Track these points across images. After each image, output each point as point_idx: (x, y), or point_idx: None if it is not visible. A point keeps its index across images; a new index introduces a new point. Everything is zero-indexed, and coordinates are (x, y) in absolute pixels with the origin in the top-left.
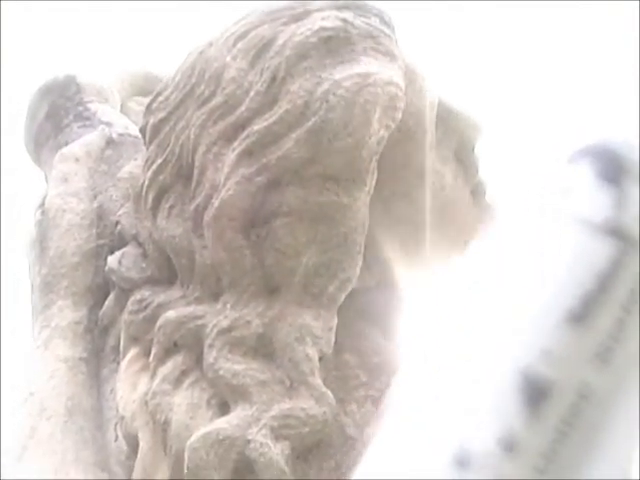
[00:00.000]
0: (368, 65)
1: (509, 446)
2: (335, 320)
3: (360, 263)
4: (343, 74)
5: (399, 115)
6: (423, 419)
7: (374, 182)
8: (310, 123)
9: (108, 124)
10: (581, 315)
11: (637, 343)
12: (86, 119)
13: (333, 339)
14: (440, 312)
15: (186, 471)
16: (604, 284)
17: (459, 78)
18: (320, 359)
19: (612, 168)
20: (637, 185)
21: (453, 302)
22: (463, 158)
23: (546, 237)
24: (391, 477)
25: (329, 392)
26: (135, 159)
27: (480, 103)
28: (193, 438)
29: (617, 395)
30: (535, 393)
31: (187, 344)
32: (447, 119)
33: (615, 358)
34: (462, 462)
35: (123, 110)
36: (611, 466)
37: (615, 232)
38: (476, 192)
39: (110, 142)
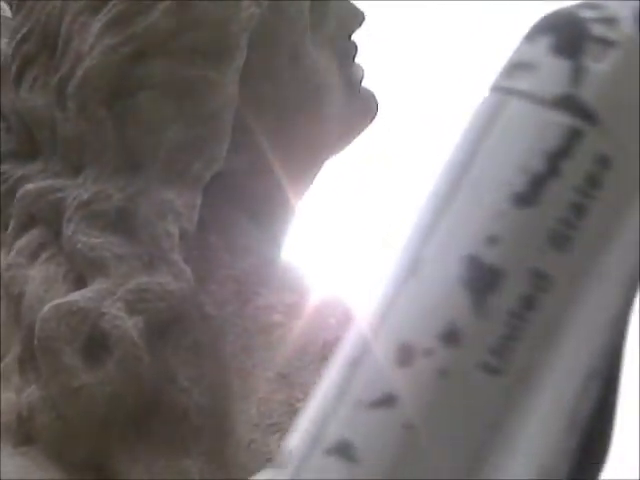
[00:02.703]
0: None
1: (450, 341)
2: (199, 199)
3: (227, 143)
4: None
5: None
6: (371, 317)
7: (243, 60)
8: None
9: None
10: (528, 197)
11: (607, 230)
12: None
13: (196, 217)
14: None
15: (36, 342)
16: (554, 163)
17: None
18: (182, 236)
19: (570, 40)
20: (600, 60)
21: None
22: (339, 45)
23: (492, 117)
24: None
25: (188, 269)
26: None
27: None
28: (45, 309)
29: (580, 285)
30: (480, 284)
31: (45, 217)
32: (324, 4)
33: (574, 246)
34: (403, 360)
35: None
36: (577, 362)
37: (568, 107)
38: (351, 81)
39: None
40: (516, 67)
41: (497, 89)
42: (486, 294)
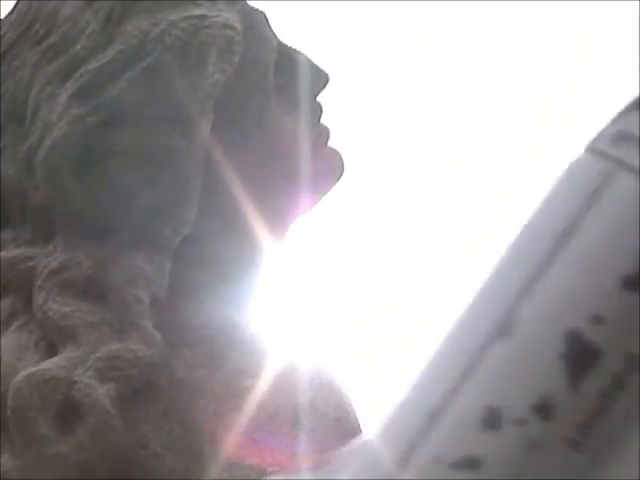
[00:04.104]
0: (206, 8)
1: (543, 414)
2: (169, 264)
3: (196, 207)
4: (180, 15)
5: (236, 59)
6: (450, 369)
7: (210, 126)
8: (145, 63)
9: None
10: (636, 281)
11: None
12: None
13: (166, 282)
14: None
15: (8, 411)
16: None
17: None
18: (152, 302)
19: None
20: None
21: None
22: (305, 107)
23: (600, 187)
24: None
25: (158, 335)
26: None
27: None
28: (17, 378)
29: None
30: (579, 361)
31: (16, 286)
32: (289, 66)
33: None
34: (491, 424)
35: None
36: None
37: None
38: (318, 140)
39: None
40: (621, 137)
41: (601, 154)
42: (584, 371)
